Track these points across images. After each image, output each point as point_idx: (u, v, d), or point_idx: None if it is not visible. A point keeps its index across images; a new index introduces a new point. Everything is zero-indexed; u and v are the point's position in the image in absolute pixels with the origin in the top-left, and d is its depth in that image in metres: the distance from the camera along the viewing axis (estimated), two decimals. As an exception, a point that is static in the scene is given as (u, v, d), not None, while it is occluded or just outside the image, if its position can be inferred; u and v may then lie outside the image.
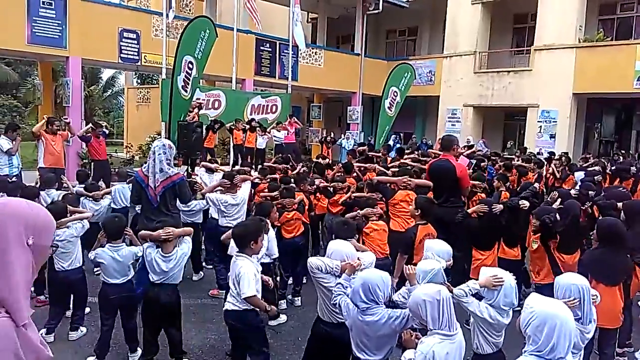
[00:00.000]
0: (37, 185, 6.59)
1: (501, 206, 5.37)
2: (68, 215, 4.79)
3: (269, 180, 7.09)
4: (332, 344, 3.46)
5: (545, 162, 11.00)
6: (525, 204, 5.53)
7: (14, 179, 7.73)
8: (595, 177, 8.57)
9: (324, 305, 3.48)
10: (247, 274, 3.47)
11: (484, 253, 5.23)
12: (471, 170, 8.32)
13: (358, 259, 3.43)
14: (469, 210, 5.51)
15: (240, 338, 3.79)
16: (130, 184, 5.81)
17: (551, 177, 10.45)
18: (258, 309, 3.58)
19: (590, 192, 7.12)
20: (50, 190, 6.27)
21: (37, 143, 9.04)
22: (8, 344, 1.37)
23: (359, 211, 5.38)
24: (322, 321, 3.52)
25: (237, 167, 9.93)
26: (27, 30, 11.74)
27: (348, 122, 20.14)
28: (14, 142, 8.38)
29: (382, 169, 7.88)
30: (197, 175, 7.50)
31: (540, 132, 16.95)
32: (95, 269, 6.12)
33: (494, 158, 10.85)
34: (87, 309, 5.12)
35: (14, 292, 1.39)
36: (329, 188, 7.05)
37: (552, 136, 16.66)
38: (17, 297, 1.40)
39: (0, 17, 11.31)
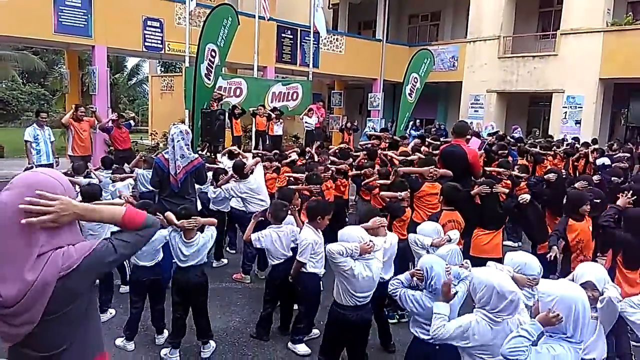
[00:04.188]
0: (68, 173, 6.80)
1: (505, 189, 5.37)
2: (101, 199, 4.94)
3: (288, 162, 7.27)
4: (350, 326, 3.58)
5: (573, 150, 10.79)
6: (525, 198, 5.49)
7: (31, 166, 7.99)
8: (622, 165, 8.44)
9: (342, 289, 3.56)
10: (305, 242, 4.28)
11: (487, 231, 5.21)
12: (481, 152, 8.25)
13: (370, 241, 3.55)
14: (472, 192, 5.50)
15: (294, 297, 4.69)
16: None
17: (581, 164, 10.25)
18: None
19: (614, 179, 7.07)
20: (79, 177, 6.49)
21: (67, 132, 9.32)
22: (87, 244, 1.81)
23: (399, 193, 5.40)
24: (339, 305, 3.60)
25: (255, 151, 10.08)
26: (53, 19, 11.97)
27: (369, 108, 20.03)
28: (44, 128, 8.75)
29: (398, 157, 7.88)
30: (220, 162, 7.64)
31: (565, 118, 16.64)
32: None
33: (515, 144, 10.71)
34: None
35: (76, 233, 1.85)
36: (360, 175, 7.11)
37: (578, 122, 16.35)
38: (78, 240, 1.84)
39: (27, 7, 11.56)
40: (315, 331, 4.66)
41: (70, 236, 1.81)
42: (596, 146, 10.94)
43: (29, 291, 1.69)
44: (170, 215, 4.18)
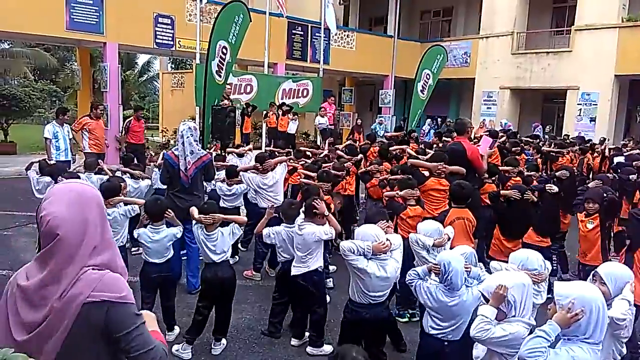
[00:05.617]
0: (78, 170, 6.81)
1: (534, 197, 5.27)
2: (121, 195, 4.95)
3: (302, 163, 7.20)
4: (366, 324, 3.55)
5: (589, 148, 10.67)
6: (553, 188, 5.45)
7: (52, 162, 8.06)
8: (635, 162, 8.29)
9: (355, 288, 3.53)
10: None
11: (510, 240, 5.14)
12: (492, 150, 8.10)
13: (387, 240, 3.50)
14: (502, 192, 5.41)
15: (304, 297, 4.34)
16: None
17: (596, 162, 10.13)
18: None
19: (631, 176, 6.96)
20: (91, 174, 6.48)
21: (81, 131, 9.45)
22: (124, 286, 1.62)
23: (398, 191, 5.30)
24: (354, 303, 3.57)
25: (269, 148, 10.06)
26: (65, 16, 12.03)
27: (380, 105, 19.95)
28: (64, 126, 8.91)
29: (412, 152, 7.80)
30: (229, 160, 7.64)
31: (580, 115, 16.44)
32: (134, 249, 6.32)
33: (530, 141, 10.58)
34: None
35: (114, 254, 1.68)
36: (368, 172, 7.04)
37: (592, 120, 16.13)
38: (115, 260, 1.67)
39: (40, 3, 11.63)
40: (329, 347, 4.41)
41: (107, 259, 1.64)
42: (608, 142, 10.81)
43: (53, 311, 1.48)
44: (193, 210, 4.28)
